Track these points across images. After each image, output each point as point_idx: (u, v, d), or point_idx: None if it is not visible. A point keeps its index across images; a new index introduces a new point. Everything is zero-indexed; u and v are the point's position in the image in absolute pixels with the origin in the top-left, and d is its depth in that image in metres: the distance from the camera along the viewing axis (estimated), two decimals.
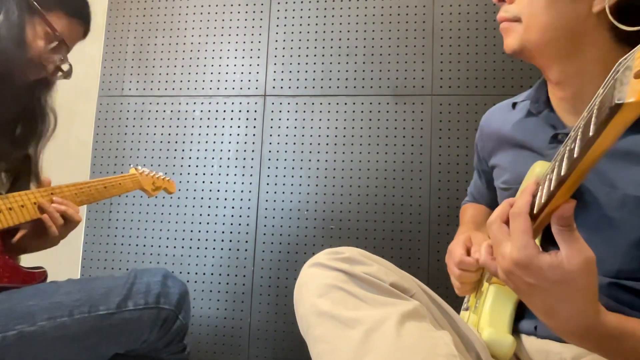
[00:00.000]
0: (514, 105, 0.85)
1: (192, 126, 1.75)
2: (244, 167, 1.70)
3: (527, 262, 0.49)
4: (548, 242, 0.51)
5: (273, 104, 1.72)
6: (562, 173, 0.45)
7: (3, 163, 0.97)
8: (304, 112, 1.69)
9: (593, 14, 0.65)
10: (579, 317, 0.51)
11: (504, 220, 0.54)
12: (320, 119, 1.68)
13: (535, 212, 0.50)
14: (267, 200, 1.67)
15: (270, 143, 1.70)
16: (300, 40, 1.73)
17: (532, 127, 0.78)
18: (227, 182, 1.70)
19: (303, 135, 1.68)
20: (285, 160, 1.68)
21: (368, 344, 0.52)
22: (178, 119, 1.76)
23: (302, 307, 0.61)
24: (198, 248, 1.69)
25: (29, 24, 0.93)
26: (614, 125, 0.38)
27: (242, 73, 1.75)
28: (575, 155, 0.43)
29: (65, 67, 1.02)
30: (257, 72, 1.74)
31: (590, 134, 0.40)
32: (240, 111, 1.74)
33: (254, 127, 1.72)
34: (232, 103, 1.74)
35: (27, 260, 0.97)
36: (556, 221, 0.48)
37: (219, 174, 1.71)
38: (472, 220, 1.01)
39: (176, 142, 1.75)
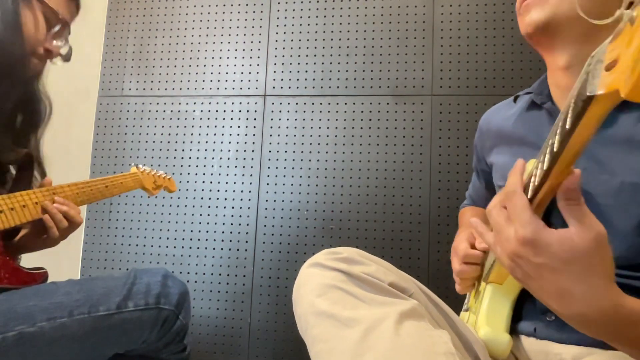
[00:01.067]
0: (516, 98, 0.85)
1: (192, 126, 1.75)
2: (244, 167, 1.70)
3: (534, 238, 0.47)
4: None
5: (273, 104, 1.72)
6: (545, 167, 0.45)
7: (8, 156, 0.96)
8: (304, 112, 1.69)
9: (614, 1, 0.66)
10: (596, 297, 0.47)
11: (504, 205, 0.53)
12: (320, 119, 1.68)
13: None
14: (267, 200, 1.67)
15: (270, 143, 1.70)
16: (300, 40, 1.73)
17: (533, 120, 0.78)
18: (227, 182, 1.71)
19: (303, 135, 1.68)
20: (285, 160, 1.68)
21: (366, 343, 0.52)
22: (178, 119, 1.76)
23: (301, 307, 0.61)
24: (198, 248, 1.69)
25: (28, 9, 0.90)
26: (589, 118, 0.39)
27: (242, 73, 1.76)
28: (555, 149, 0.43)
29: (64, 50, 0.98)
30: (257, 72, 1.75)
31: (567, 127, 0.41)
32: (240, 111, 1.74)
33: (254, 127, 1.72)
34: (232, 103, 1.74)
35: (28, 260, 0.97)
36: (563, 195, 0.46)
37: (219, 174, 1.71)
38: None
39: (176, 142, 1.75)
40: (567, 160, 0.44)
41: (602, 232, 0.46)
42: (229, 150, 1.72)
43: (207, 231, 1.69)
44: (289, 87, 1.72)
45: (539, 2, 0.70)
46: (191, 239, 1.70)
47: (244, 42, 1.77)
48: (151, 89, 1.80)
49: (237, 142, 1.72)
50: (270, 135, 1.70)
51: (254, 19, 1.77)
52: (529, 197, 0.49)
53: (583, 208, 0.46)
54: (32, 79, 0.98)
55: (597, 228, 0.46)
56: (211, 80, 1.77)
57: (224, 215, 1.69)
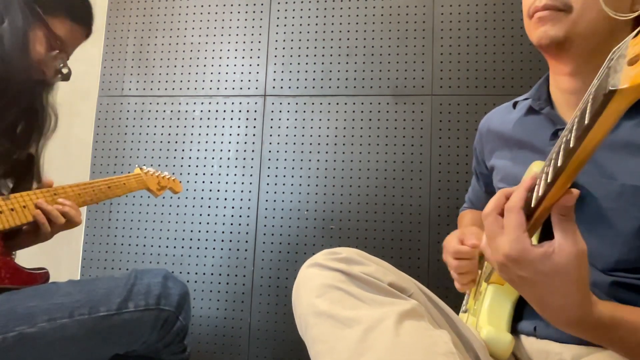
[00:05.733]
0: (515, 104, 0.85)
1: (192, 126, 1.75)
2: (244, 167, 1.70)
3: (517, 256, 0.50)
4: (547, 237, 0.51)
5: (273, 104, 1.72)
6: (559, 164, 0.45)
7: (6, 165, 0.97)
8: (304, 112, 1.69)
9: (629, 11, 0.66)
10: (571, 308, 0.51)
11: (499, 212, 0.54)
12: (320, 119, 1.68)
13: (532, 205, 0.50)
14: (267, 200, 1.67)
15: (270, 143, 1.70)
16: (300, 40, 1.73)
17: (532, 125, 0.79)
18: (227, 182, 1.71)
19: (303, 135, 1.68)
20: (285, 160, 1.68)
21: (366, 343, 0.52)
22: (178, 119, 1.76)
23: (301, 307, 0.61)
24: (198, 248, 1.69)
25: (32, 30, 0.94)
26: (609, 113, 0.39)
27: (242, 73, 1.76)
28: (571, 145, 0.43)
29: (64, 70, 1.02)
30: (257, 72, 1.75)
31: (586, 122, 0.40)
32: (240, 111, 1.74)
33: (254, 127, 1.72)
34: (232, 103, 1.74)
35: (28, 260, 0.97)
36: (557, 210, 0.48)
37: (219, 174, 1.71)
38: (470, 223, 1.01)
39: (176, 142, 1.75)
40: (581, 158, 0.43)
41: (582, 249, 0.49)
42: (229, 150, 1.72)
43: (207, 231, 1.69)
44: (289, 87, 1.72)
45: (555, 17, 0.68)
46: (191, 239, 1.70)
47: (244, 42, 1.77)
48: (151, 89, 1.80)
49: (237, 142, 1.72)
50: (270, 135, 1.70)
51: (254, 19, 1.77)
52: (540, 194, 0.49)
53: (572, 224, 0.49)
54: (38, 92, 1.01)
55: (578, 245, 0.48)
56: (211, 80, 1.77)
57: (224, 215, 1.69)
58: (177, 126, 1.76)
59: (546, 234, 0.52)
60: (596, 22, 0.67)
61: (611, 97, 0.37)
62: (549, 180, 0.47)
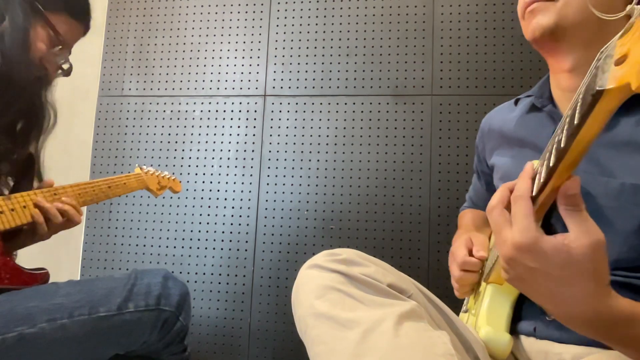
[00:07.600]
0: (517, 101, 0.86)
1: (192, 126, 1.75)
2: (244, 167, 1.70)
3: (529, 245, 0.47)
4: (547, 231, 0.49)
5: (273, 104, 1.72)
6: (551, 164, 0.45)
7: (6, 164, 0.97)
8: (304, 112, 1.69)
9: (624, 7, 0.67)
10: (587, 300, 0.47)
11: (505, 205, 0.52)
12: (320, 119, 1.68)
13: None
14: (267, 200, 1.67)
15: (270, 143, 1.70)
16: (300, 40, 1.73)
17: (534, 123, 0.79)
18: (227, 182, 1.71)
19: (303, 135, 1.68)
20: (285, 160, 1.68)
21: (366, 344, 0.52)
22: (178, 119, 1.76)
23: (300, 309, 0.61)
24: (198, 248, 1.69)
25: (33, 27, 0.94)
26: (598, 113, 0.39)
27: (242, 73, 1.76)
28: (562, 145, 0.43)
29: (65, 66, 1.03)
30: (257, 72, 1.74)
31: (576, 122, 0.40)
32: (240, 111, 1.74)
33: (254, 127, 1.72)
34: (232, 103, 1.74)
35: (28, 260, 0.97)
36: (563, 201, 0.46)
37: (219, 174, 1.71)
38: (471, 223, 1.01)
39: (176, 142, 1.76)
40: (572, 158, 0.43)
41: (600, 238, 0.45)
42: (229, 150, 1.72)
43: (207, 231, 1.69)
44: (289, 87, 1.72)
45: (544, 7, 0.70)
46: (191, 239, 1.70)
47: (244, 42, 1.77)
48: (151, 89, 1.80)
49: (237, 142, 1.72)
50: (270, 135, 1.70)
51: (254, 19, 1.77)
52: (533, 194, 0.48)
53: (583, 214, 0.46)
54: (37, 89, 1.01)
55: (595, 234, 0.45)
56: (211, 80, 1.77)
57: (224, 215, 1.69)
58: (177, 126, 1.76)
59: (545, 228, 0.52)
60: (584, 9, 0.67)
61: (599, 97, 0.37)
62: (542, 180, 0.47)
